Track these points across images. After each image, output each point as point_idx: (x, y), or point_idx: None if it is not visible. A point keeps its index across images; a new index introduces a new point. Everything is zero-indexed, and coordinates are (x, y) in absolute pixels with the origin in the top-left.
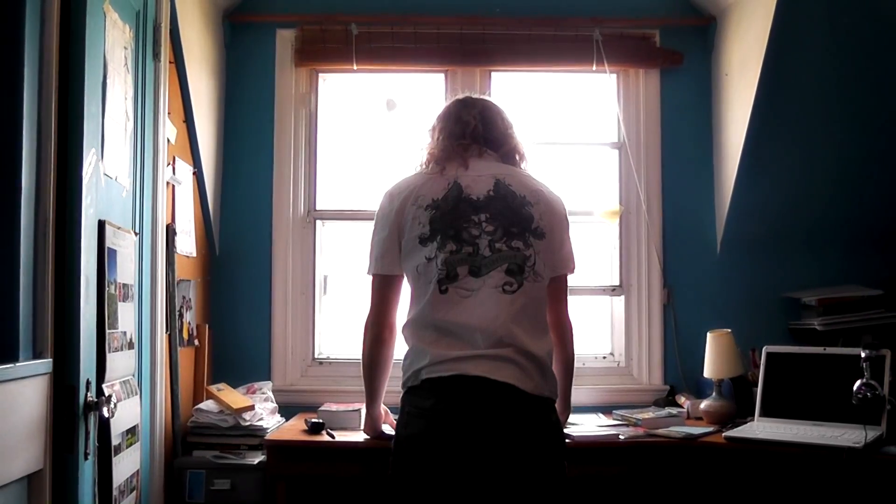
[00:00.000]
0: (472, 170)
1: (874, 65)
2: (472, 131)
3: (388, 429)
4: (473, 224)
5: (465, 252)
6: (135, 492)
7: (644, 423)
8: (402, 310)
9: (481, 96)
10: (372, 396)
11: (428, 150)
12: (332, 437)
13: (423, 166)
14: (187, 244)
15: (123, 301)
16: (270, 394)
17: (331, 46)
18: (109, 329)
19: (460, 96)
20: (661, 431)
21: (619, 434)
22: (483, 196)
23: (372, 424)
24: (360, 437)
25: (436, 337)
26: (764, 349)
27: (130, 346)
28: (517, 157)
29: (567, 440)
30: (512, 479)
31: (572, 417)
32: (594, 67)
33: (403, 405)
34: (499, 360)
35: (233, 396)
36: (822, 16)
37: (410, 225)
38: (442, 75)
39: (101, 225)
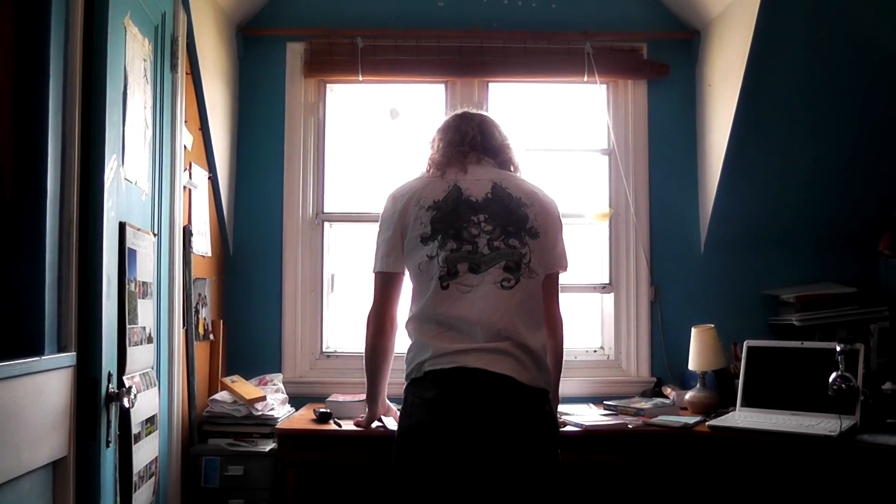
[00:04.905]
0: (471, 174)
1: (847, 77)
2: (470, 140)
3: (390, 421)
4: (473, 224)
5: (464, 250)
6: (153, 477)
7: (647, 412)
8: (402, 306)
9: (479, 111)
10: (373, 387)
11: (429, 158)
12: (339, 426)
13: (425, 171)
14: (203, 244)
15: (143, 298)
16: (281, 385)
17: (338, 59)
18: (130, 324)
19: (459, 111)
20: (654, 421)
21: (627, 423)
22: (482, 198)
23: (369, 414)
24: None
25: (438, 331)
26: (745, 343)
27: (149, 340)
28: (512, 169)
29: (578, 428)
30: (509, 465)
31: (565, 408)
32: (585, 78)
33: (406, 396)
34: (497, 353)
35: (245, 388)
36: (800, 31)
37: (413, 225)
38: (442, 86)
39: (122, 226)
